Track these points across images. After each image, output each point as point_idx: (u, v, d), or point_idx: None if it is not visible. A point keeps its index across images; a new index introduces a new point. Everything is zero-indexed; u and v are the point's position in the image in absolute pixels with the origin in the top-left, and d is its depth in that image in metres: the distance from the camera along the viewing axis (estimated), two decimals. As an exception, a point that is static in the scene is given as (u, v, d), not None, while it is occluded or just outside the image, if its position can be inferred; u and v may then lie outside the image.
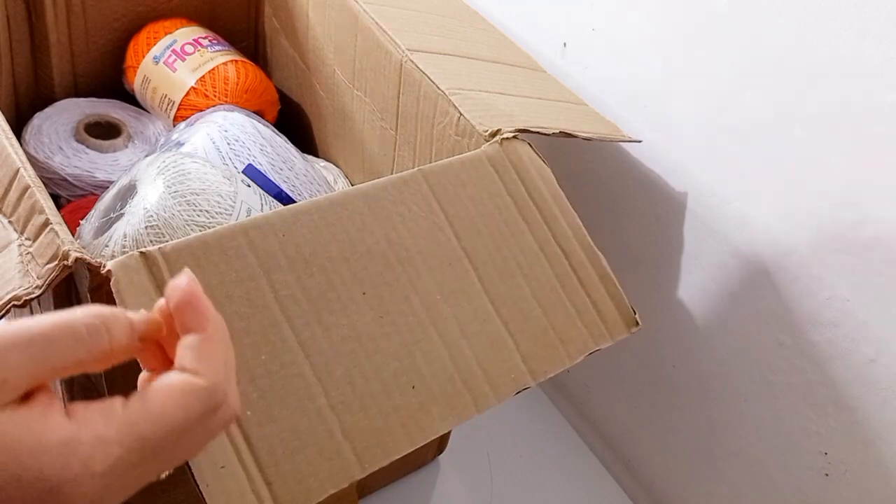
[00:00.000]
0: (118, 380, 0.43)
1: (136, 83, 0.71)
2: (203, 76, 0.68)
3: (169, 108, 0.69)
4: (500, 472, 0.70)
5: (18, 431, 0.25)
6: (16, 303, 0.35)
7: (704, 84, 0.55)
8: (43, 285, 0.36)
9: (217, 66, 0.68)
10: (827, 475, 0.54)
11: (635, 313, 0.45)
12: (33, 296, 0.35)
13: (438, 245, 0.43)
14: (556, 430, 0.75)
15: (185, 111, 0.68)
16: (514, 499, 0.68)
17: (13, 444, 0.24)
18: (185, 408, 0.27)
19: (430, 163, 0.45)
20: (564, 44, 0.65)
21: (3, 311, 0.35)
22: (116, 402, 0.27)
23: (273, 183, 0.56)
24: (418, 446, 0.38)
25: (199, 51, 0.69)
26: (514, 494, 0.69)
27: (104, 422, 0.26)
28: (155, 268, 0.37)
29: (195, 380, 0.27)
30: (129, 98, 0.73)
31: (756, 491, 0.60)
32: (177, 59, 0.69)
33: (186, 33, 0.70)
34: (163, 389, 0.27)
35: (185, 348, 0.28)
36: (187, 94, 0.68)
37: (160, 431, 0.26)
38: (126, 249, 0.45)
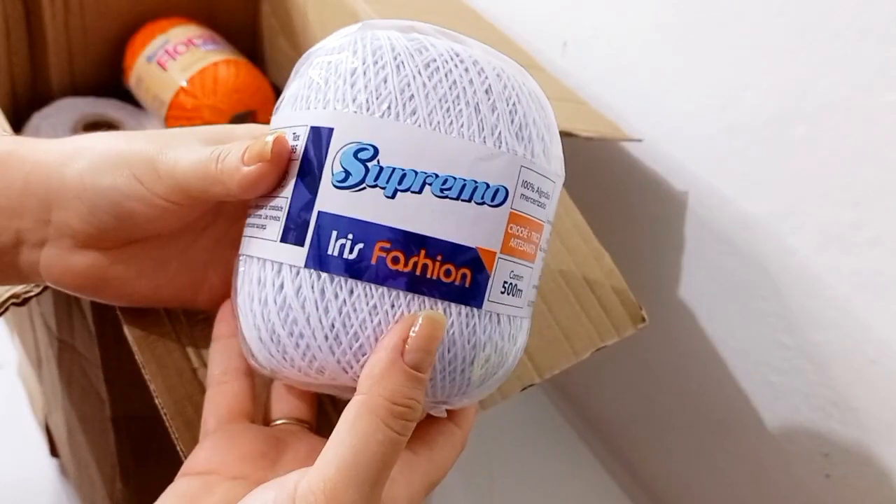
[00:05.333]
0: (119, 382, 0.43)
1: (132, 82, 0.71)
2: (192, 76, 0.67)
3: (160, 107, 0.68)
4: (500, 472, 0.70)
5: None
6: (15, 301, 0.35)
7: (705, 83, 0.55)
8: (42, 284, 0.36)
9: (207, 66, 0.67)
10: (828, 476, 0.54)
11: (641, 309, 0.45)
12: (32, 294, 0.35)
13: None
14: (556, 430, 0.75)
15: (175, 111, 0.67)
16: (514, 499, 0.68)
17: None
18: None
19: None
20: (564, 44, 0.65)
21: (3, 310, 0.35)
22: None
23: None
24: None
25: (190, 50, 0.68)
26: (514, 494, 0.68)
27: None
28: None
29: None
30: (130, 97, 0.73)
31: (756, 491, 0.60)
32: (168, 58, 0.68)
33: (180, 33, 0.70)
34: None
35: None
36: (176, 93, 0.67)
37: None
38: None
